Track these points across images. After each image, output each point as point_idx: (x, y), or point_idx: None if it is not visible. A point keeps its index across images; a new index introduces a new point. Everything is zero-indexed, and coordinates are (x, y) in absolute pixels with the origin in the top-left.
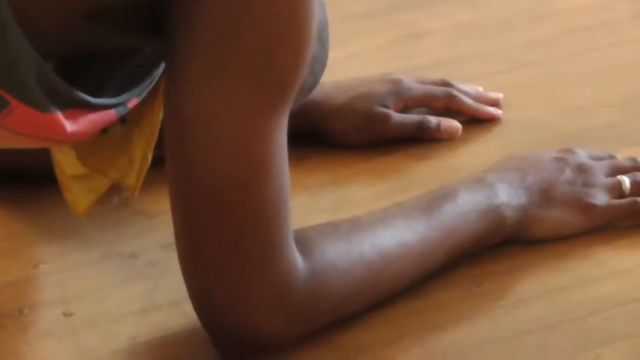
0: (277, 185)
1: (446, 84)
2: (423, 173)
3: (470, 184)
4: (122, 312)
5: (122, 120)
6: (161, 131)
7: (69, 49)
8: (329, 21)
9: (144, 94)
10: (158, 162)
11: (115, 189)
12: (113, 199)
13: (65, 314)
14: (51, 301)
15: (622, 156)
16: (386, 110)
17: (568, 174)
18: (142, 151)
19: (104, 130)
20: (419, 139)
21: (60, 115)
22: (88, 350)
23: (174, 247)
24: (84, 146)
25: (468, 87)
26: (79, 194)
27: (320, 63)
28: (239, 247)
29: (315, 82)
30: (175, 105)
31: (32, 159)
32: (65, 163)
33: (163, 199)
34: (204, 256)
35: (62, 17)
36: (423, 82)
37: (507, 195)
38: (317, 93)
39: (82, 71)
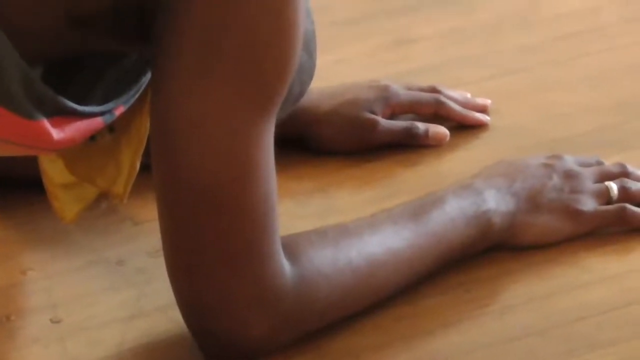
0: (264, 189)
1: (434, 90)
2: (411, 179)
3: (458, 190)
4: (109, 319)
5: (110, 128)
6: (149, 138)
7: (54, 54)
8: (320, 26)
9: (131, 101)
10: (145, 169)
11: (103, 195)
12: (101, 205)
13: (52, 321)
14: (39, 307)
15: (612, 162)
16: (374, 116)
17: (556, 180)
18: (130, 159)
19: (92, 138)
20: (407, 146)
21: (46, 123)
22: (75, 357)
23: (161, 253)
24: (72, 154)
25: (456, 93)
26: (66, 202)
27: (307, 72)
28: (226, 250)
29: (302, 91)
30: (162, 107)
31: (21, 166)
32: (53, 171)
33: (150, 205)
34: (191, 259)
35: (48, 23)
36: (411, 89)
37: (495, 202)
38: (304, 99)
39: (70, 79)
